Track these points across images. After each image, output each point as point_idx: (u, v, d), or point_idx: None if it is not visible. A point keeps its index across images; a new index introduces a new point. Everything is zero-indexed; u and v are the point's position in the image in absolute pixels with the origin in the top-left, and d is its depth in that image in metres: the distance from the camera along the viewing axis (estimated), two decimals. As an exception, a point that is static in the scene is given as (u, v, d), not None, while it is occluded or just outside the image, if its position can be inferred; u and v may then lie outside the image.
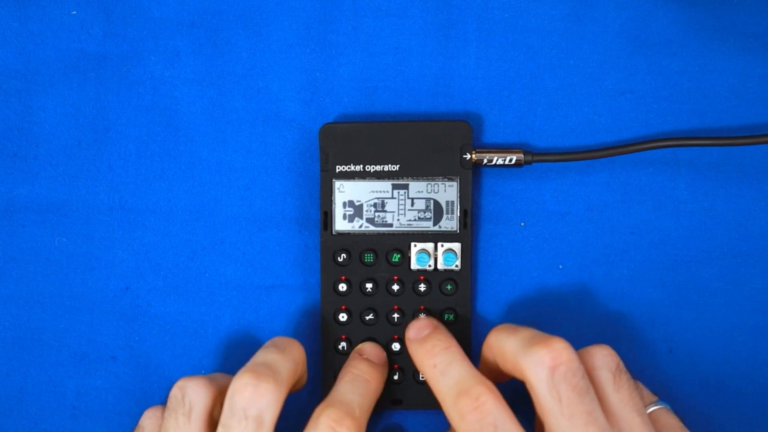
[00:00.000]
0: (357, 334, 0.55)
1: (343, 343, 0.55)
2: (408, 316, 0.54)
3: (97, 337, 0.56)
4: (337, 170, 0.54)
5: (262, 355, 0.49)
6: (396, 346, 0.55)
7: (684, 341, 0.55)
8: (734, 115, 0.55)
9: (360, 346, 0.54)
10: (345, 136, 0.54)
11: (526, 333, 0.48)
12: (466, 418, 0.46)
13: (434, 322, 0.52)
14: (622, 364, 0.49)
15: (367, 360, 0.53)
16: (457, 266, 0.54)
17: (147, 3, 0.56)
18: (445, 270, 0.54)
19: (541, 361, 0.46)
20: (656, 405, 0.51)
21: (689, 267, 0.56)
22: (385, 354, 0.54)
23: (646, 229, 0.56)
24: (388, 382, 0.55)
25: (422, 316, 0.53)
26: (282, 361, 0.49)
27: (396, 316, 0.54)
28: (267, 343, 0.51)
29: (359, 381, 0.51)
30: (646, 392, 0.52)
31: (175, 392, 0.50)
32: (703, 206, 0.56)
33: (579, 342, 0.52)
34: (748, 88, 0.55)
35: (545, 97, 0.56)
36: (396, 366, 0.55)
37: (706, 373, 0.55)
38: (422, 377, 0.54)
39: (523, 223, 0.56)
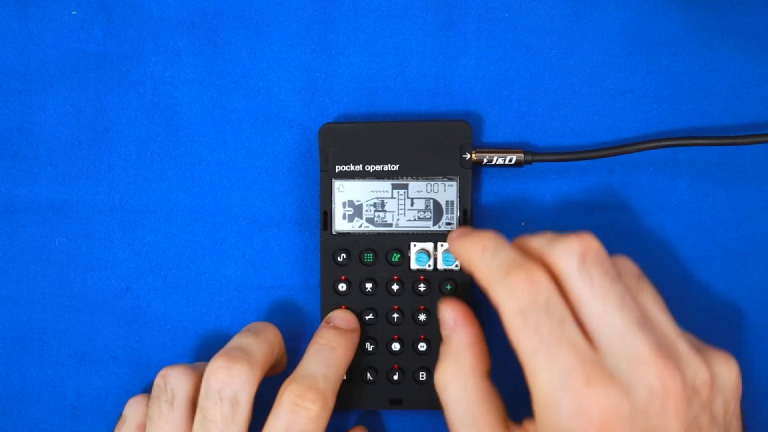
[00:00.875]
0: (357, 334, 0.55)
1: (344, 343, 0.54)
2: (408, 316, 0.54)
3: (98, 337, 0.56)
4: (337, 170, 0.54)
5: (236, 340, 0.51)
6: (396, 347, 0.54)
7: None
8: (734, 115, 0.55)
9: (328, 315, 0.54)
10: (345, 136, 0.54)
11: (539, 237, 0.47)
12: (517, 290, 0.44)
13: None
14: (643, 273, 0.48)
15: (334, 327, 0.53)
16: (456, 266, 0.54)
17: (147, 3, 0.56)
18: (444, 270, 0.54)
19: (571, 249, 0.45)
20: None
21: (690, 266, 0.55)
22: (354, 319, 0.54)
23: (646, 229, 0.55)
24: (388, 382, 0.54)
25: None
26: (256, 344, 0.50)
27: (396, 316, 0.54)
28: (242, 329, 0.52)
29: (323, 350, 0.51)
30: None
31: (158, 381, 0.51)
32: (703, 206, 0.55)
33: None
34: (748, 88, 0.55)
35: (545, 97, 0.56)
36: (396, 366, 0.54)
37: None
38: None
39: (523, 224, 0.56)
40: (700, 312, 0.55)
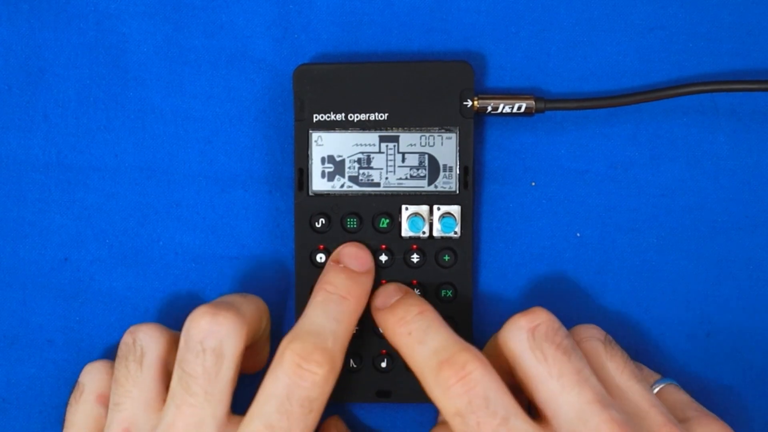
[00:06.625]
0: (337, 313, 0.54)
1: (322, 325, 0.54)
2: (398, 293, 0.54)
3: (31, 316, 0.56)
4: (315, 120, 0.53)
5: (220, 298, 0.51)
6: None
7: (724, 323, 0.55)
8: (784, 54, 0.55)
9: (337, 250, 0.53)
10: (324, 80, 0.53)
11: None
12: (451, 391, 0.45)
13: (403, 287, 0.52)
14: (610, 336, 0.50)
15: (346, 270, 0.51)
16: (456, 233, 0.53)
17: None
18: (441, 238, 0.53)
19: (518, 326, 0.47)
20: (661, 383, 0.51)
21: (730, 235, 0.55)
22: (370, 257, 0.53)
23: (680, 191, 0.55)
24: (375, 371, 0.54)
25: (388, 283, 0.52)
26: (243, 302, 0.50)
27: (384, 292, 0.54)
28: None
29: (332, 301, 0.49)
30: (647, 371, 0.53)
31: (125, 339, 0.51)
32: (747, 163, 0.55)
33: (598, 323, 0.51)
34: (801, 23, 0.54)
35: (560, 33, 0.55)
36: (384, 351, 0.54)
37: (750, 361, 0.55)
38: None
39: (534, 183, 0.55)
40: (742, 289, 0.54)
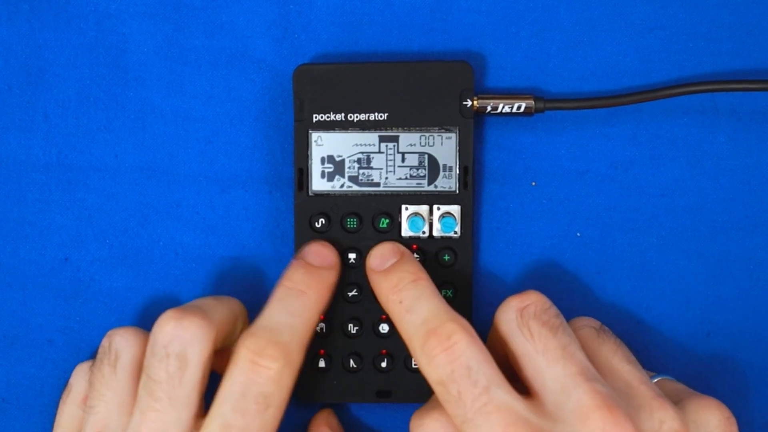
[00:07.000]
0: (338, 313, 0.53)
1: (322, 324, 0.53)
2: (398, 292, 0.54)
3: (31, 317, 0.56)
4: (314, 120, 0.53)
5: (193, 301, 0.51)
6: (384, 328, 0.53)
7: (725, 323, 0.54)
8: (784, 54, 0.54)
9: (302, 247, 0.52)
10: (323, 80, 0.53)
11: None
12: (436, 360, 0.46)
13: (401, 248, 0.52)
14: (605, 326, 0.50)
15: (305, 265, 0.51)
16: (456, 233, 0.53)
17: None
18: (441, 237, 0.53)
19: (509, 306, 0.48)
20: (656, 377, 0.51)
21: (730, 235, 0.54)
22: (333, 254, 0.52)
23: (680, 191, 0.54)
24: (375, 371, 0.53)
25: (386, 242, 0.52)
26: (215, 305, 0.50)
27: (384, 291, 0.54)
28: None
29: (290, 296, 0.49)
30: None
31: (103, 342, 0.51)
32: (747, 163, 0.54)
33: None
34: (801, 23, 0.54)
35: (560, 33, 0.55)
36: (384, 351, 0.53)
37: (750, 360, 0.54)
38: (415, 365, 0.53)
39: (534, 183, 0.55)
40: (743, 289, 0.54)
